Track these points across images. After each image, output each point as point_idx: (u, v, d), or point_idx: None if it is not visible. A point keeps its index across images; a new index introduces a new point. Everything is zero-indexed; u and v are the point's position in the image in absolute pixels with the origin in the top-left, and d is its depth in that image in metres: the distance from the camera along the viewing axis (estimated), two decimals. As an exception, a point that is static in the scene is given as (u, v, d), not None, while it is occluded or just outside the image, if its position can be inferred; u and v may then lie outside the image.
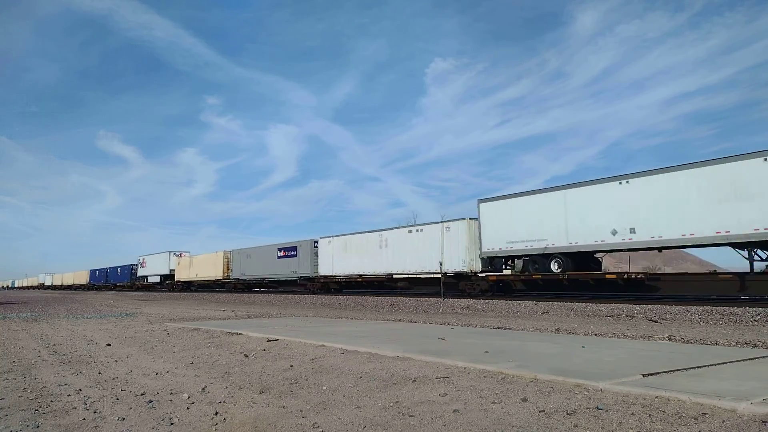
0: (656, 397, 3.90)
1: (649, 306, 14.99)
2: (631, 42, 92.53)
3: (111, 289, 67.82)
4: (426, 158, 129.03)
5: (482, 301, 19.69)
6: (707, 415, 3.45)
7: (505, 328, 10.30)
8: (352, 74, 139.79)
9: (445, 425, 3.50)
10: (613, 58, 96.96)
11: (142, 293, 51.96)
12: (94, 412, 4.11)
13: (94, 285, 77.98)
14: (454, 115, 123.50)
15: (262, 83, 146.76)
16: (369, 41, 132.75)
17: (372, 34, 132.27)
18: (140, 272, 61.01)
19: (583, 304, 16.20)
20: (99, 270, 78.60)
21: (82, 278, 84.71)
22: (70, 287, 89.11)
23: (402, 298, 24.43)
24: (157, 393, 4.76)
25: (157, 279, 56.34)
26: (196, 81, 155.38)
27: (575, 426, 3.37)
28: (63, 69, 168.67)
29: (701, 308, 13.78)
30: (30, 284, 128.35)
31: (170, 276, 53.47)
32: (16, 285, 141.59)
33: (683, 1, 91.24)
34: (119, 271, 68.67)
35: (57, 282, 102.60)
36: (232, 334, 9.46)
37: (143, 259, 61.17)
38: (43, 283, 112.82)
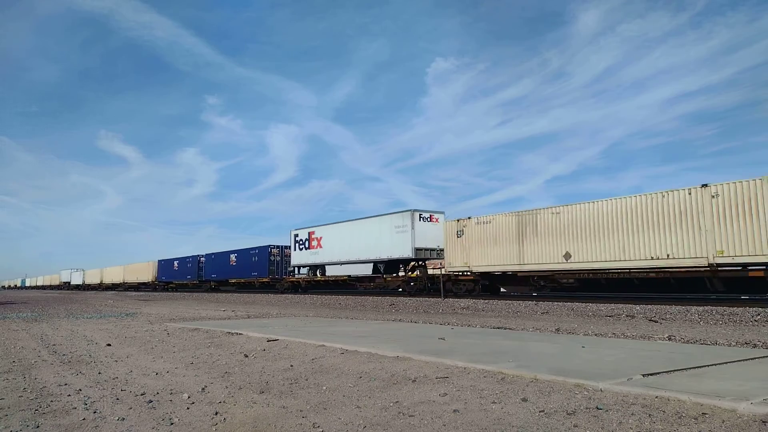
0: (656, 397, 3.90)
1: (649, 306, 14.98)
2: (633, 42, 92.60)
3: (213, 290, 44.38)
4: (427, 158, 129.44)
5: (482, 301, 19.68)
6: (707, 415, 3.45)
7: (505, 328, 10.30)
8: (353, 74, 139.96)
9: (445, 425, 3.50)
10: (614, 58, 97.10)
11: (151, 294, 49.27)
12: (94, 412, 4.11)
13: (169, 284, 53.14)
14: (455, 115, 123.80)
15: (262, 83, 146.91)
16: (370, 41, 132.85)
17: (373, 33, 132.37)
18: (301, 258, 33.17)
19: (583, 304, 16.20)
20: (180, 260, 50.64)
21: (143, 273, 58.76)
22: (114, 287, 66.10)
23: (402, 297, 24.43)
24: (157, 393, 4.76)
25: (368, 269, 28.46)
26: (197, 81, 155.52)
27: (575, 426, 3.37)
28: (63, 69, 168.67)
29: (701, 308, 13.77)
30: (48, 283, 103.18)
31: (409, 262, 26.03)
32: (26, 284, 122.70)
33: (685, 1, 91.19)
34: (234, 259, 41.21)
35: (92, 279, 76.63)
36: (232, 334, 9.46)
37: (310, 231, 32.30)
38: (68, 282, 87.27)
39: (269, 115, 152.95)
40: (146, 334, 10.06)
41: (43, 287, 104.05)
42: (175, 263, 52.14)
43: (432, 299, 21.83)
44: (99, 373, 5.91)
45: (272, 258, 37.58)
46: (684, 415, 3.48)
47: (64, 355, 7.44)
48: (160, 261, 55.98)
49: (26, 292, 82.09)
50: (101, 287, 71.32)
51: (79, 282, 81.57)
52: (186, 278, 49.60)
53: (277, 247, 37.81)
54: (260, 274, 38.34)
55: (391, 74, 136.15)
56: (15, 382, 5.43)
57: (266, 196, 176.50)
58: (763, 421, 3.28)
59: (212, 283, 45.76)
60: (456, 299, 21.23)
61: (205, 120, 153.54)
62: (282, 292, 35.10)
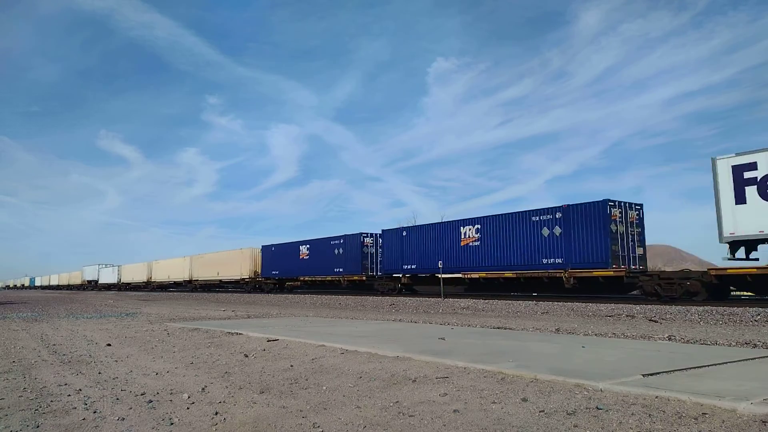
0: (656, 397, 3.90)
1: (649, 306, 14.98)
2: (634, 41, 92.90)
3: (402, 292, 26.83)
4: (427, 158, 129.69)
5: (482, 301, 19.69)
6: (707, 415, 3.44)
7: (505, 328, 10.30)
8: (353, 74, 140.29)
9: (445, 425, 3.50)
10: (615, 58, 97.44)
11: (144, 293, 47.67)
12: (94, 412, 4.11)
13: (288, 281, 35.49)
14: (456, 115, 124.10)
15: (263, 83, 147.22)
16: (371, 40, 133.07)
17: (374, 33, 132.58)
18: None
19: (583, 304, 16.20)
20: (314, 243, 32.70)
21: (231, 266, 40.63)
22: (172, 286, 51.39)
23: (402, 297, 24.42)
24: (157, 393, 4.76)
25: None
26: (198, 80, 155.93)
27: (575, 426, 3.36)
28: (64, 68, 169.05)
29: (701, 308, 13.77)
30: (65, 282, 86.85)
31: None
32: (36, 284, 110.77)
33: (686, 0, 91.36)
34: (472, 234, 23.25)
35: (132, 276, 59.76)
36: (232, 334, 9.46)
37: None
38: (94, 281, 70.02)
39: (270, 115, 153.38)
40: (146, 334, 10.06)
41: (58, 287, 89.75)
42: (303, 249, 32.69)
43: (432, 299, 21.83)
44: (99, 373, 5.91)
45: (614, 227, 18.35)
46: (684, 415, 3.48)
47: (64, 355, 7.44)
48: (266, 247, 37.17)
49: (28, 292, 76.21)
50: (149, 286, 54.69)
51: (112, 280, 64.16)
52: (333, 271, 30.50)
53: (618, 203, 18.84)
54: (573, 260, 19.35)
55: (391, 74, 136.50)
56: (15, 382, 5.43)
57: (266, 196, 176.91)
58: (763, 421, 3.28)
59: (403, 280, 26.72)
60: (455, 299, 21.21)
61: (206, 120, 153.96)
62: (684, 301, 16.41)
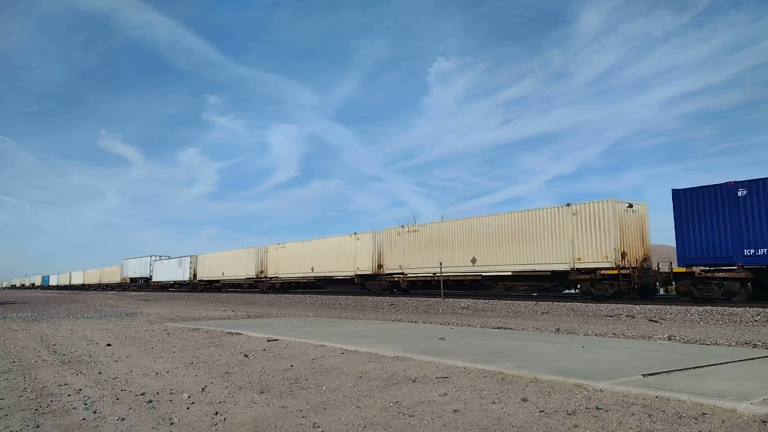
0: (656, 397, 3.90)
1: (649, 306, 14.98)
2: (635, 41, 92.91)
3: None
4: (428, 158, 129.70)
5: (482, 301, 19.69)
6: (707, 415, 3.44)
7: (505, 328, 10.30)
8: (354, 74, 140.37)
9: (445, 425, 3.50)
10: (616, 58, 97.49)
11: (142, 293, 48.05)
12: (94, 412, 4.11)
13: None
14: (457, 115, 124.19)
15: (264, 83, 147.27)
16: (371, 40, 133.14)
17: (374, 33, 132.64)
18: None
19: (583, 304, 16.20)
20: None
21: (539, 242, 19.12)
22: (315, 284, 31.60)
23: (402, 298, 24.42)
24: (157, 393, 4.76)
25: None
26: (198, 80, 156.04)
27: (575, 426, 3.36)
28: (64, 68, 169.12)
29: (701, 308, 13.77)
30: (93, 280, 69.68)
31: None
32: (50, 282, 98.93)
33: (687, 0, 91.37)
34: None
35: (226, 271, 38.50)
36: (232, 334, 9.46)
37: None
38: (144, 278, 52.07)
39: (270, 115, 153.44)
40: (146, 334, 10.06)
41: (83, 286, 75.09)
42: None
43: (432, 299, 21.83)
44: (99, 373, 5.91)
45: None
46: (684, 415, 3.48)
47: (64, 355, 7.44)
48: (686, 192, 15.79)
49: (34, 292, 71.35)
50: (260, 286, 35.14)
51: (180, 277, 44.51)
52: None
53: None
54: None
55: (392, 74, 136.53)
56: (15, 382, 5.43)
57: (267, 196, 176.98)
58: (763, 421, 3.28)
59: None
60: (455, 299, 21.20)
61: (206, 120, 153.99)
62: None
